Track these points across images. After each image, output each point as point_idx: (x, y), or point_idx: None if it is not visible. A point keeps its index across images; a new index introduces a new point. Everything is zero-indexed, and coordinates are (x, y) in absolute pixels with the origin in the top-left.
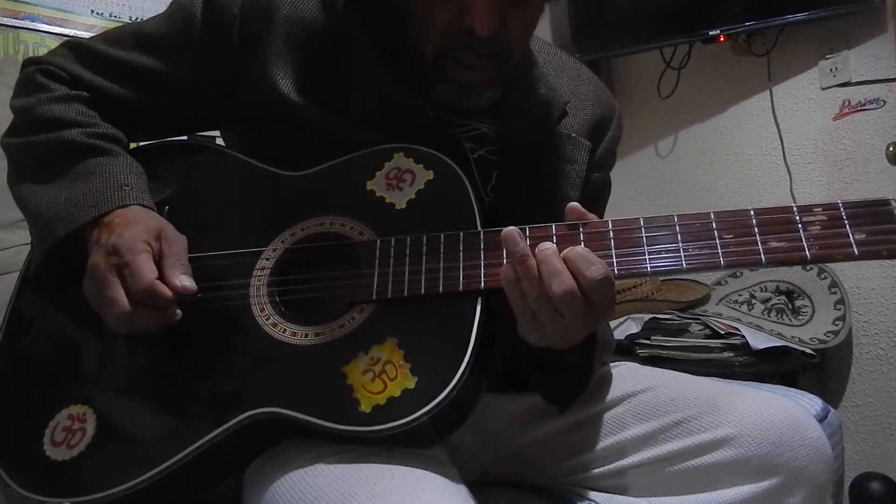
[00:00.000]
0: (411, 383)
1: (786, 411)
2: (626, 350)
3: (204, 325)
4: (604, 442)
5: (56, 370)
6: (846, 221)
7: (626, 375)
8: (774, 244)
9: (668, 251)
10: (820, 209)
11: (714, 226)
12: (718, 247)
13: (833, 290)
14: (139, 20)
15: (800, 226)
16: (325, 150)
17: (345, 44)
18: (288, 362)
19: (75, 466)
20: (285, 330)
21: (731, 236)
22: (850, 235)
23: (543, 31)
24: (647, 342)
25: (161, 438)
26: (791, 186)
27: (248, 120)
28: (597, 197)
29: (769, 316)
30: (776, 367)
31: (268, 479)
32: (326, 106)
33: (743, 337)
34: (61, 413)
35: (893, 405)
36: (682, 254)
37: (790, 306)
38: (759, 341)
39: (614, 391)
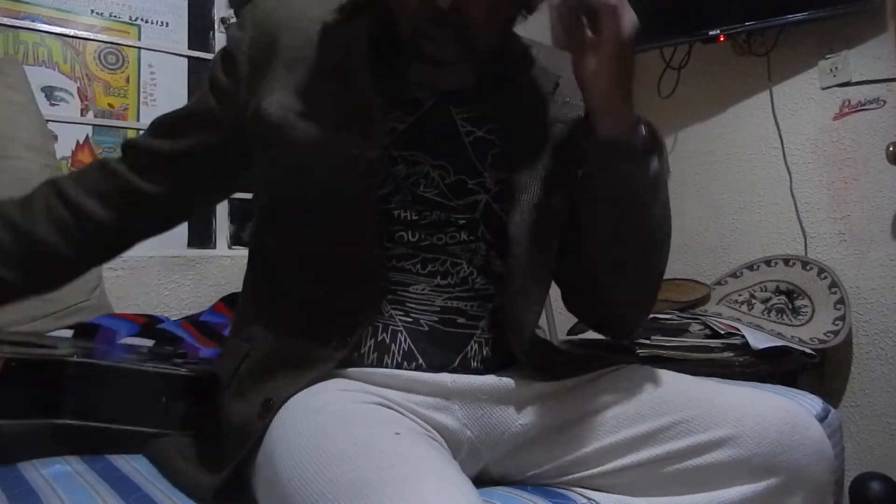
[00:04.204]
0: None
1: (786, 411)
2: (627, 350)
3: None
4: (603, 441)
5: None
6: None
7: (625, 375)
8: None
9: None
10: None
11: None
12: None
13: (833, 290)
14: (139, 20)
15: None
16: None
17: (352, 50)
18: None
19: None
20: None
21: None
22: None
23: (543, 31)
24: (647, 342)
25: None
26: (791, 186)
27: (253, 146)
28: None
29: (769, 316)
30: (776, 367)
31: (282, 458)
32: (319, 120)
33: (743, 337)
34: None
35: (893, 405)
36: None
37: (790, 306)
38: (759, 341)
39: (614, 391)
